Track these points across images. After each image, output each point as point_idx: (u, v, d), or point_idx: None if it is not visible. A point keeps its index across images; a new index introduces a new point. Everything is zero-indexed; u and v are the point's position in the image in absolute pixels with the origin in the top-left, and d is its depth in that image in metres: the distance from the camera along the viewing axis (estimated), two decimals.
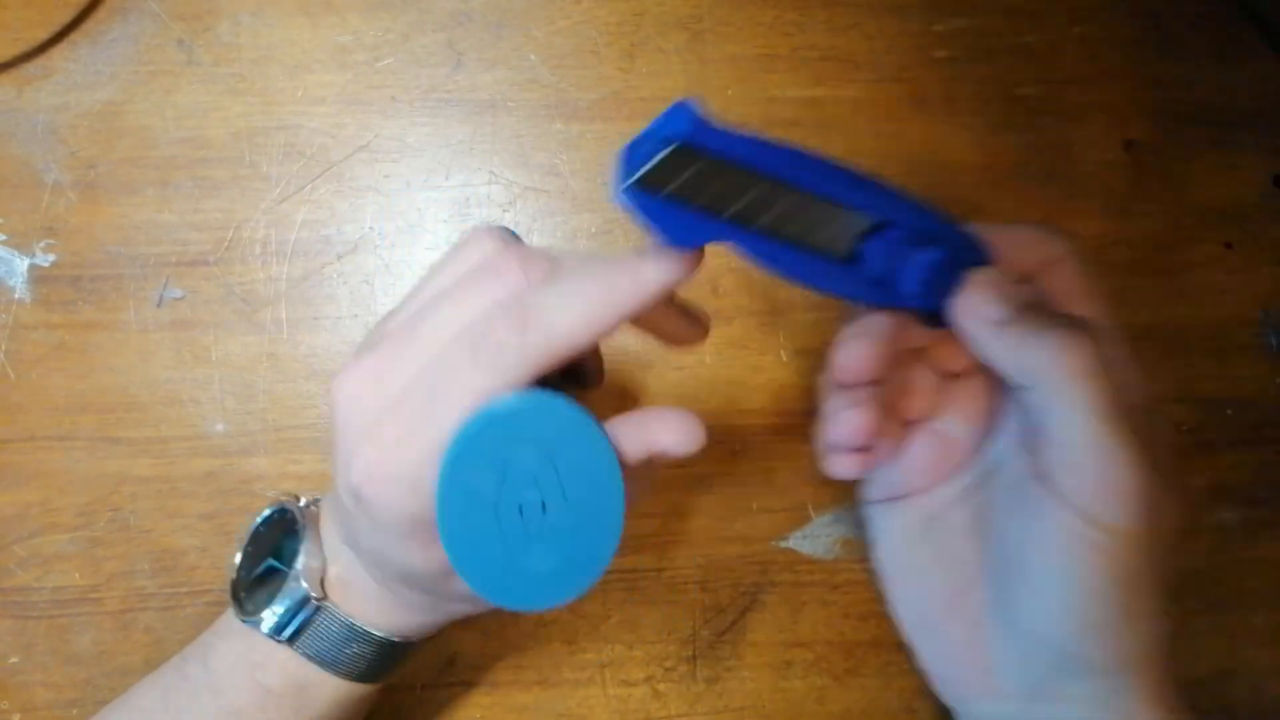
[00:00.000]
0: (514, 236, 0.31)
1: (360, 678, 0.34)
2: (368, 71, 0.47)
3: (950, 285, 0.29)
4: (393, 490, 0.27)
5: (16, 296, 0.44)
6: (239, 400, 0.44)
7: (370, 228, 0.46)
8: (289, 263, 0.45)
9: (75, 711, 0.42)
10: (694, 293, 0.46)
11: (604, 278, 0.26)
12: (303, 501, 0.36)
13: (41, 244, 0.45)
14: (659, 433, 0.27)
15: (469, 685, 0.43)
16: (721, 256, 0.46)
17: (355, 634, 0.33)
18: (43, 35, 0.46)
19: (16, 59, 0.45)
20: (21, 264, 0.44)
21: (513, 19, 0.47)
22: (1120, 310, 0.47)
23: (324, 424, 0.44)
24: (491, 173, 0.46)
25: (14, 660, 0.42)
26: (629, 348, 0.45)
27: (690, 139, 0.23)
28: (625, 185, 0.22)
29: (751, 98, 0.47)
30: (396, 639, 0.34)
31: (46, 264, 0.44)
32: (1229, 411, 0.47)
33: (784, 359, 0.46)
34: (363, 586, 0.33)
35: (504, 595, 0.27)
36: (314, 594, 0.33)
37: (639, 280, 0.26)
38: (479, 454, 0.26)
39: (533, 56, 0.47)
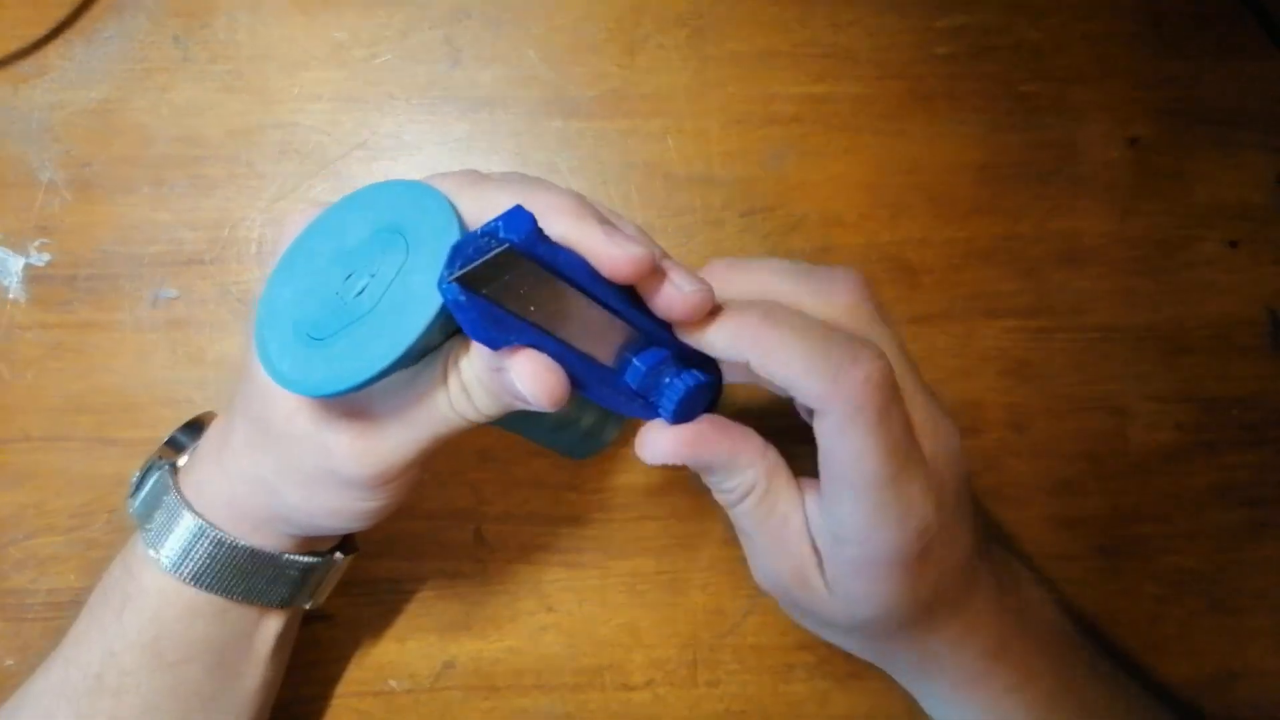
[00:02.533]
0: None
1: (155, 547, 0.33)
2: (364, 69, 0.46)
3: (702, 407, 0.30)
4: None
5: (11, 296, 0.44)
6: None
7: None
8: None
9: None
10: None
11: (549, 195, 0.27)
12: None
13: (36, 243, 0.44)
14: (517, 380, 0.25)
15: (468, 689, 0.43)
16: (723, 255, 0.46)
17: (164, 492, 0.34)
18: (38, 33, 0.45)
19: (11, 56, 0.45)
20: (16, 263, 0.44)
21: (511, 15, 0.47)
22: (1123, 310, 0.47)
23: None
24: (490, 171, 0.46)
25: (10, 663, 0.42)
26: None
27: (521, 244, 0.23)
28: (449, 278, 0.22)
29: (752, 94, 0.47)
30: (200, 513, 0.33)
31: (41, 263, 0.44)
32: (1232, 411, 0.47)
33: None
34: (201, 450, 0.35)
35: (268, 344, 0.26)
36: (163, 459, 0.35)
37: (584, 224, 0.26)
38: (356, 206, 0.26)
39: (531, 53, 0.47)
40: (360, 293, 0.25)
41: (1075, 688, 0.35)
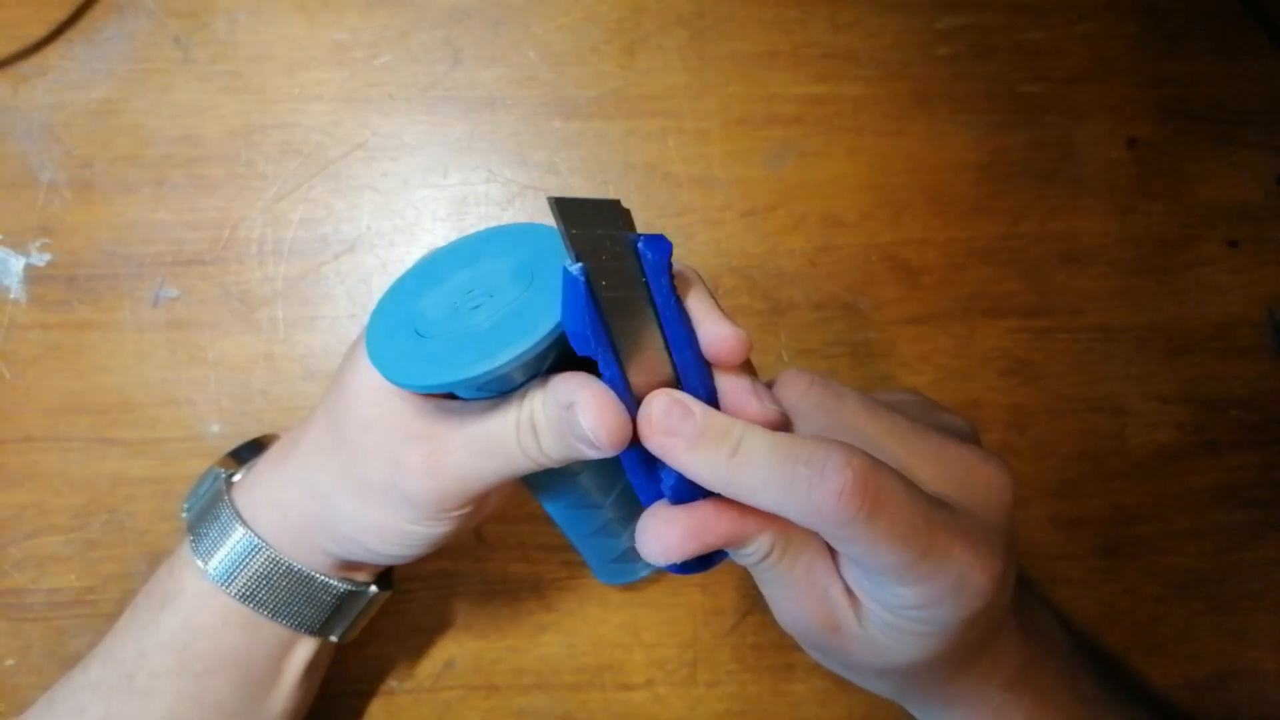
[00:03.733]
0: None
1: (199, 552, 0.33)
2: (365, 69, 0.46)
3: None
4: None
5: (12, 296, 0.44)
6: (235, 401, 0.43)
7: (368, 227, 0.45)
8: (285, 262, 0.45)
9: None
10: None
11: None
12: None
13: (37, 243, 0.44)
14: (582, 422, 0.25)
15: (468, 688, 0.43)
16: (723, 256, 0.46)
17: (222, 504, 0.34)
18: (39, 33, 0.45)
19: (12, 57, 0.45)
20: (17, 264, 0.44)
21: (512, 16, 0.47)
22: (1123, 310, 0.47)
23: None
24: (490, 171, 0.46)
25: (10, 662, 0.42)
26: None
27: (653, 264, 0.26)
28: (581, 259, 0.24)
29: (753, 95, 0.47)
30: (259, 534, 0.33)
31: (42, 263, 0.44)
32: (1232, 412, 0.47)
33: (785, 359, 0.46)
34: (261, 463, 0.35)
35: (375, 334, 0.28)
36: (223, 469, 0.35)
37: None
38: (498, 237, 0.28)
39: (532, 54, 0.47)
40: (475, 308, 0.27)
41: (1087, 709, 0.35)
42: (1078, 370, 0.47)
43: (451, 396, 0.29)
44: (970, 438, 0.31)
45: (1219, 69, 0.49)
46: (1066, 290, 0.47)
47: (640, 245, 0.25)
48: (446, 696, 0.43)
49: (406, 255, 0.45)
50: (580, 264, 0.24)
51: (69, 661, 0.41)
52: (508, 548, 0.44)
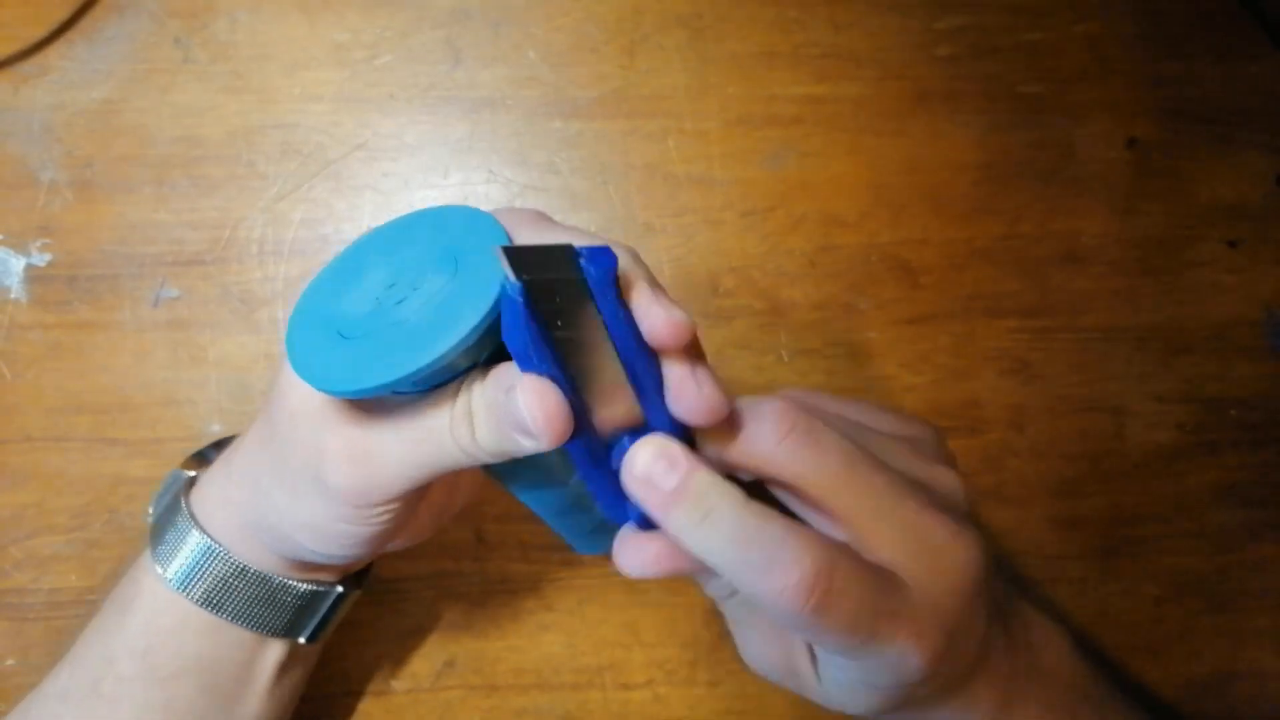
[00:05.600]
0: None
1: (163, 564, 0.33)
2: (365, 69, 0.46)
3: None
4: None
5: (12, 296, 0.44)
6: (235, 401, 0.44)
7: (368, 227, 0.45)
8: (286, 262, 0.45)
9: None
10: (695, 292, 0.45)
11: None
12: None
13: (37, 243, 0.44)
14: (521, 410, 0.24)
15: (468, 688, 0.43)
16: (723, 256, 0.46)
17: (175, 508, 0.33)
18: (39, 33, 0.45)
19: (13, 57, 0.45)
20: (17, 264, 0.44)
21: (512, 16, 0.47)
22: (1123, 310, 0.47)
23: None
24: (490, 171, 0.46)
25: (10, 662, 0.42)
26: None
27: (597, 279, 0.24)
28: (519, 275, 0.23)
29: (752, 95, 0.47)
30: (211, 535, 0.32)
31: (42, 263, 0.44)
32: (1232, 412, 0.47)
33: (785, 359, 0.46)
34: (217, 468, 0.34)
35: (296, 336, 0.26)
36: (185, 472, 0.34)
37: (639, 283, 0.26)
38: (419, 222, 0.26)
39: (532, 54, 0.47)
40: (400, 302, 0.25)
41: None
42: (1077, 370, 0.47)
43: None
44: (957, 497, 0.30)
45: (1219, 69, 0.49)
46: (1066, 290, 0.47)
47: (583, 261, 0.24)
48: (446, 696, 0.43)
49: None
50: (518, 281, 0.23)
51: None
52: (508, 547, 0.44)
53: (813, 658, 0.29)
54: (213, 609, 0.33)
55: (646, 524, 0.27)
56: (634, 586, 0.43)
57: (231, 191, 0.45)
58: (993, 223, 0.47)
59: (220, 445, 0.38)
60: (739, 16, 0.48)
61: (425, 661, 0.43)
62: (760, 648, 0.30)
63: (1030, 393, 0.46)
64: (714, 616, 0.44)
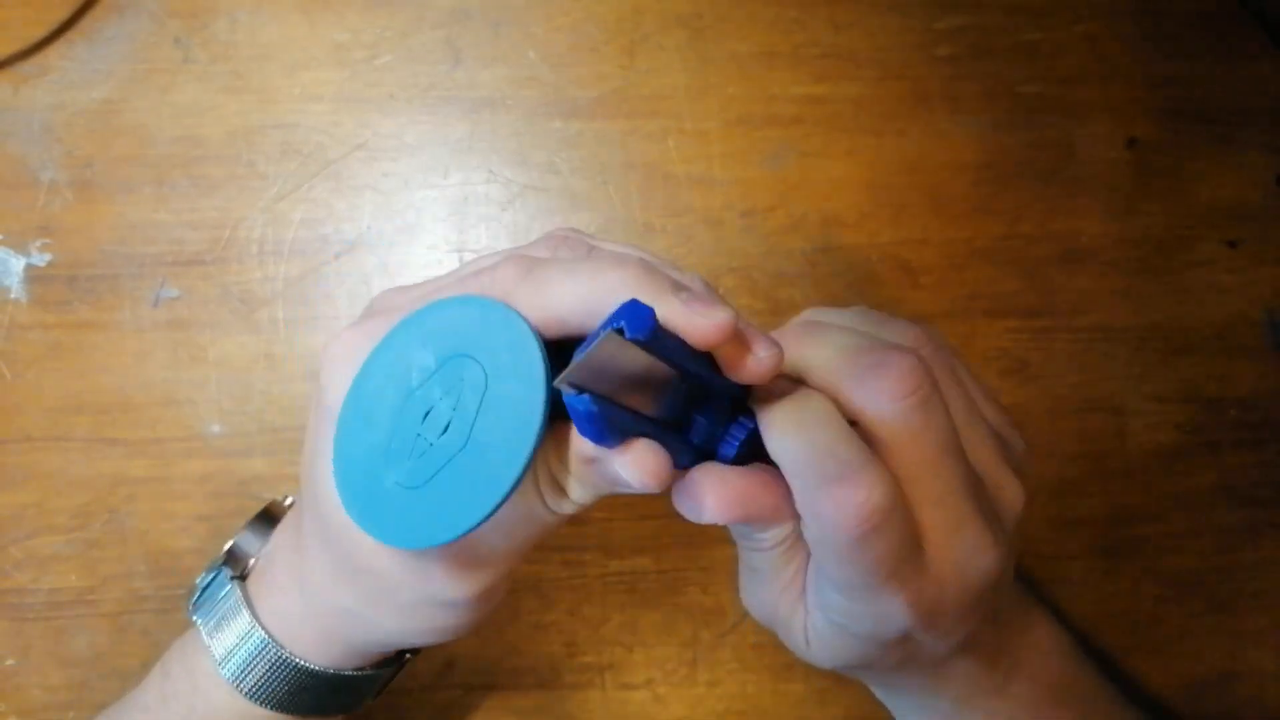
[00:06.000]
0: (581, 233, 0.30)
1: (230, 673, 0.32)
2: (365, 69, 0.46)
3: (760, 451, 0.28)
4: (344, 373, 0.26)
5: (13, 296, 0.44)
6: (235, 401, 0.44)
7: (368, 227, 0.45)
8: (286, 262, 0.45)
9: (71, 714, 0.41)
10: None
11: (625, 277, 0.24)
12: (288, 501, 0.36)
13: (37, 243, 0.44)
14: (621, 466, 0.24)
15: (468, 688, 0.43)
16: (723, 256, 0.46)
17: (239, 616, 0.32)
18: (39, 33, 0.45)
19: (13, 57, 0.45)
20: (18, 264, 0.44)
21: (512, 16, 0.47)
22: (1123, 310, 0.47)
23: None
24: (490, 171, 0.46)
25: (10, 662, 0.42)
26: None
27: (646, 342, 0.23)
28: (572, 382, 0.22)
29: (752, 95, 0.47)
30: (277, 640, 0.32)
31: (42, 263, 0.44)
32: (1232, 412, 0.47)
33: None
34: (274, 563, 0.33)
35: (355, 499, 0.24)
36: (230, 570, 0.33)
37: (662, 301, 0.24)
38: (419, 336, 0.24)
39: (532, 54, 0.47)
40: (446, 429, 0.24)
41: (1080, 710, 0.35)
42: (1077, 370, 0.47)
43: None
44: (1012, 511, 0.30)
45: (1219, 69, 0.49)
46: (1066, 290, 0.47)
47: (629, 336, 0.22)
48: (446, 696, 0.43)
49: (407, 255, 0.45)
50: (577, 395, 0.22)
51: (69, 661, 0.42)
52: None
53: (805, 611, 0.30)
54: (299, 713, 0.32)
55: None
56: (634, 587, 0.43)
57: (231, 191, 0.45)
58: (993, 223, 0.47)
59: (258, 525, 0.36)
60: (739, 16, 0.48)
61: (425, 661, 0.43)
62: (770, 597, 0.31)
63: (1030, 393, 0.46)
64: (714, 616, 0.44)
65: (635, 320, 0.22)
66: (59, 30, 0.46)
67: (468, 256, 0.46)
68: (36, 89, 0.45)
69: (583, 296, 0.24)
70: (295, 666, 0.31)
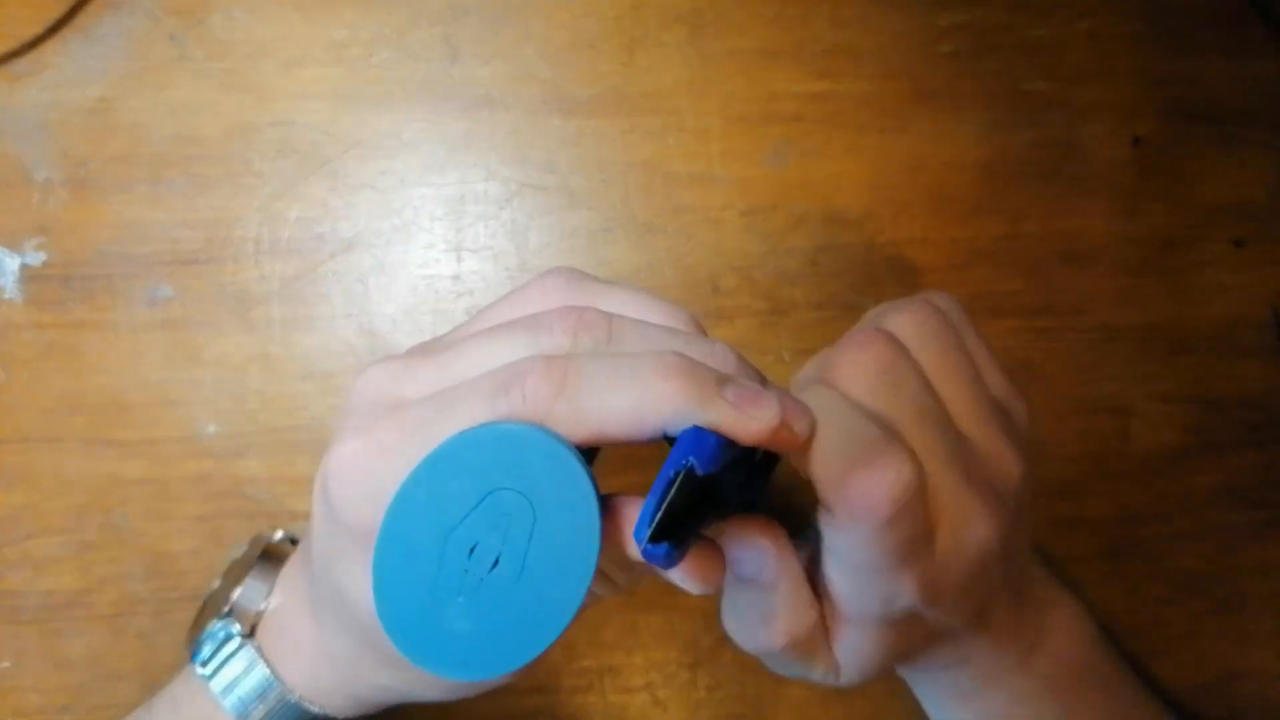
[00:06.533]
0: (585, 280, 0.29)
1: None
2: (362, 66, 0.46)
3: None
4: (358, 490, 0.25)
5: (7, 296, 0.43)
6: (232, 401, 0.43)
7: (365, 225, 0.45)
8: (282, 261, 0.44)
9: (67, 717, 0.41)
10: (695, 291, 0.45)
11: (674, 389, 0.23)
12: (279, 535, 0.35)
13: (32, 243, 0.44)
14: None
15: None
16: (724, 255, 0.46)
17: (263, 682, 0.31)
18: (34, 31, 0.45)
19: (7, 54, 0.45)
20: (12, 263, 0.44)
21: (510, 13, 0.47)
22: (1127, 309, 0.47)
23: (318, 425, 0.43)
24: (488, 169, 0.46)
25: (5, 665, 0.42)
26: None
27: (713, 471, 0.23)
28: (653, 536, 0.22)
29: (753, 93, 0.47)
30: (306, 702, 0.31)
31: (37, 263, 0.44)
32: (1237, 412, 0.47)
33: (785, 359, 0.45)
34: (294, 626, 0.31)
35: (415, 646, 0.24)
36: (238, 629, 0.31)
37: (713, 409, 0.23)
38: (455, 469, 0.23)
39: (530, 51, 0.46)
40: (496, 564, 0.23)
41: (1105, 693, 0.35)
42: (1080, 370, 0.46)
43: None
44: (1009, 483, 0.30)
45: (1224, 67, 0.49)
46: (1069, 290, 0.47)
47: (700, 472, 0.22)
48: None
49: (404, 254, 0.45)
50: (655, 546, 0.22)
51: (65, 664, 0.41)
52: None
53: (829, 619, 0.29)
54: None
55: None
56: (633, 590, 0.43)
57: (227, 190, 0.45)
58: (995, 222, 0.47)
59: (261, 566, 0.35)
60: (739, 13, 0.47)
61: None
62: (767, 623, 0.30)
63: (1033, 393, 0.46)
64: (714, 620, 0.43)
65: (703, 456, 0.22)
66: (54, 27, 0.45)
67: (465, 255, 0.45)
68: (31, 87, 0.45)
69: (626, 413, 0.23)
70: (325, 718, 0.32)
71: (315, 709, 0.31)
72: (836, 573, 0.28)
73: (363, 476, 0.25)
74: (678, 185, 0.46)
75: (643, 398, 0.23)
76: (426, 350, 0.27)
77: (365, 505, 0.25)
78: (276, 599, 0.33)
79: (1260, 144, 0.48)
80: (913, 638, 0.29)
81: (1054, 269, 0.47)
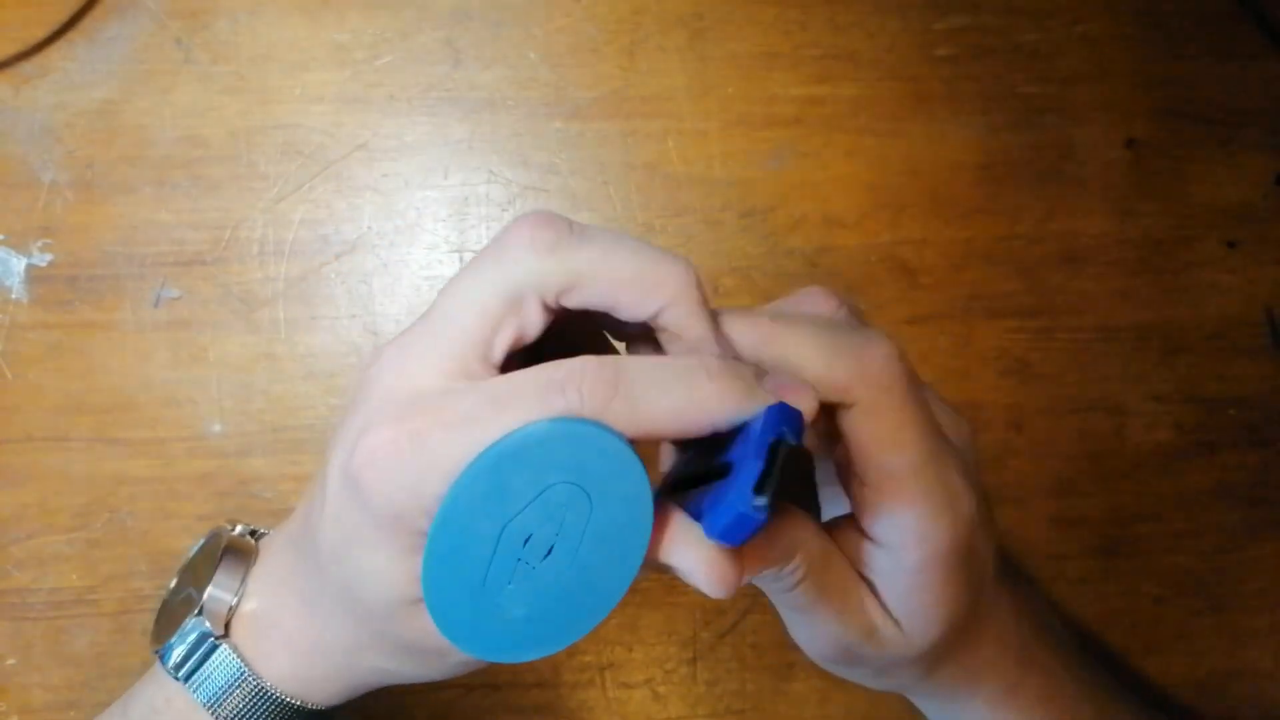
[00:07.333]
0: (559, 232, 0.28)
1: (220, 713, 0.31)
2: (366, 70, 0.46)
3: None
4: (394, 480, 0.25)
5: (14, 296, 0.44)
6: (236, 401, 0.44)
7: (368, 227, 0.45)
8: (287, 262, 0.45)
9: (72, 713, 0.41)
10: None
11: (721, 389, 0.25)
12: (237, 530, 0.34)
13: (39, 244, 0.44)
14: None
15: (468, 688, 0.43)
16: (723, 256, 0.46)
17: (244, 681, 0.31)
18: (40, 34, 0.45)
19: (14, 58, 0.45)
20: (19, 264, 0.44)
21: (512, 17, 0.47)
22: (1122, 310, 0.47)
23: (322, 424, 0.44)
24: (490, 172, 0.46)
25: (11, 662, 0.42)
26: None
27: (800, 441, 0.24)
28: (762, 497, 0.23)
29: (752, 96, 0.47)
30: (289, 697, 0.31)
31: (43, 264, 0.44)
32: (1231, 412, 0.47)
33: None
34: (280, 621, 0.31)
35: (461, 633, 0.25)
36: (212, 630, 0.31)
37: (759, 401, 0.25)
38: (517, 465, 0.24)
39: (532, 54, 0.47)
40: (549, 553, 0.24)
41: (1087, 691, 0.35)
42: (1076, 370, 0.47)
43: None
44: (968, 451, 0.31)
45: (1217, 70, 0.49)
46: (1065, 290, 0.47)
47: (787, 436, 0.23)
48: (446, 696, 0.43)
49: (407, 256, 0.45)
50: (759, 508, 0.23)
51: (70, 661, 0.42)
52: None
53: (880, 604, 0.29)
54: None
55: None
56: (634, 585, 0.43)
57: (232, 192, 0.45)
58: (992, 223, 0.47)
59: (229, 568, 0.33)
60: (739, 17, 0.48)
61: None
62: (835, 627, 0.29)
63: (1029, 393, 0.46)
64: (714, 615, 0.44)
65: (794, 428, 0.24)
66: (60, 30, 0.46)
67: (468, 257, 0.46)
68: (37, 89, 0.45)
69: (679, 411, 0.24)
70: (308, 711, 0.31)
71: (297, 702, 0.31)
72: (893, 501, 0.28)
73: (398, 465, 0.25)
74: (678, 187, 0.46)
75: (692, 397, 0.24)
76: (430, 336, 0.27)
77: (399, 494, 0.25)
78: (256, 598, 0.32)
79: (1253, 145, 0.49)
80: (959, 585, 0.29)
81: (1050, 270, 0.47)
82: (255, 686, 0.31)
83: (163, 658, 0.31)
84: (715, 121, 0.47)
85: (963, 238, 0.47)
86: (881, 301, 0.46)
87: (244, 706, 0.31)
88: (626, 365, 0.25)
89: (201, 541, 0.34)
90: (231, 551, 0.32)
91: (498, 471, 0.24)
